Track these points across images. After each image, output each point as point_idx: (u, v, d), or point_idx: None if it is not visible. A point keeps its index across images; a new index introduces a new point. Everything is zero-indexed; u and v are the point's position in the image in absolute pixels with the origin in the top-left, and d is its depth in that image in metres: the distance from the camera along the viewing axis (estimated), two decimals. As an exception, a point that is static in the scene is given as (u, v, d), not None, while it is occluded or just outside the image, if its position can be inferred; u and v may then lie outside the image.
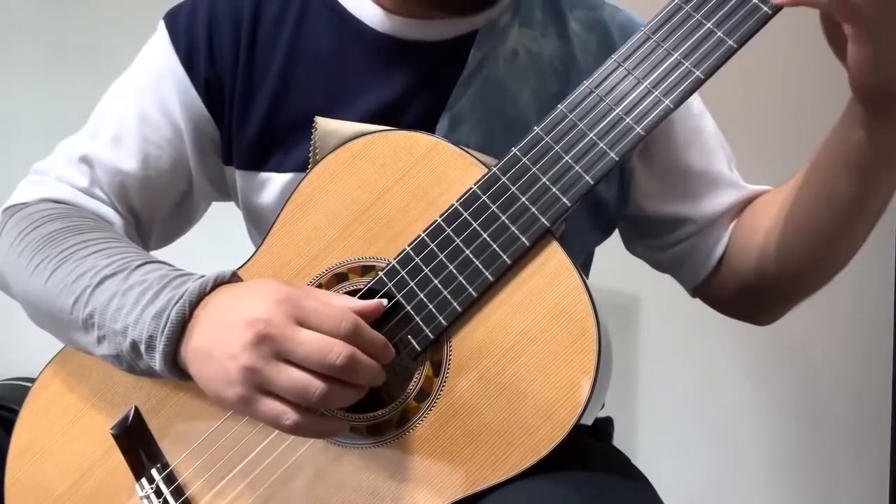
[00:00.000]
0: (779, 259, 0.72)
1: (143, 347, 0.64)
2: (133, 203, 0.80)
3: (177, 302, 0.63)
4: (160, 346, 0.63)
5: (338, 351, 0.58)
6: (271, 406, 0.59)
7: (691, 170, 0.79)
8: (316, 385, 0.57)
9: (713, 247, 0.79)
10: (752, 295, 0.78)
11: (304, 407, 0.59)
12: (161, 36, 0.79)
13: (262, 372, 0.58)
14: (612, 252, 0.88)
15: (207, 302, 0.63)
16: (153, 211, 0.81)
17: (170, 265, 0.70)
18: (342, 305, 0.61)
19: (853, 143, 0.63)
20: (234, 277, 0.66)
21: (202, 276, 0.65)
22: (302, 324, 0.59)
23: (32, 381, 0.78)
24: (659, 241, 0.82)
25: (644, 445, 1.51)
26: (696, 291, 0.83)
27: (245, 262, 0.72)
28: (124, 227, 0.78)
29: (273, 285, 0.61)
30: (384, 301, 0.64)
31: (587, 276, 0.86)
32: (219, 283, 0.65)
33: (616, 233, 0.87)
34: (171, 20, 0.79)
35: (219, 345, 0.60)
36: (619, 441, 0.84)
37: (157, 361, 0.63)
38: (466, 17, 0.75)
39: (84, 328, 0.68)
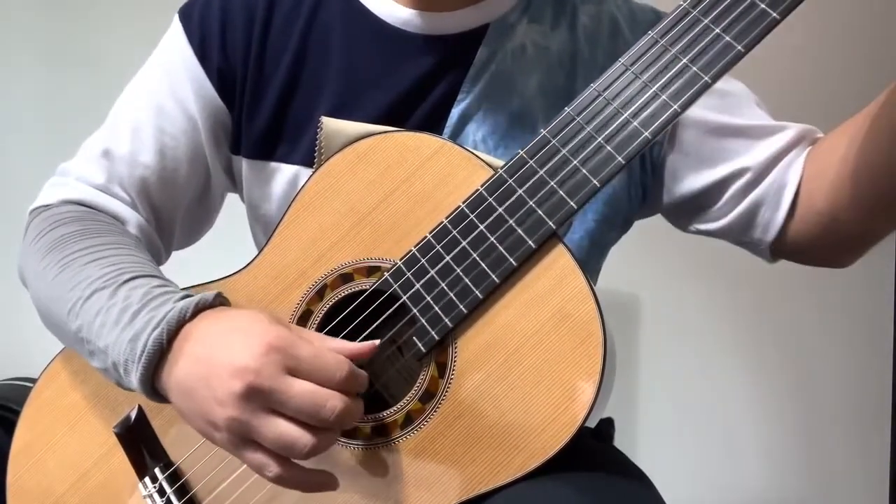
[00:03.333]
0: (864, 188, 0.67)
1: (121, 370, 0.63)
2: (153, 199, 0.80)
3: (154, 328, 0.61)
4: (136, 373, 0.62)
5: (331, 406, 0.56)
6: (256, 456, 0.58)
7: (729, 127, 0.75)
8: (305, 440, 0.56)
9: (779, 193, 0.74)
10: (836, 234, 0.72)
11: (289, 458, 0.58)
12: (175, 28, 0.80)
13: (249, 424, 0.56)
14: (612, 252, 0.88)
15: (190, 331, 0.61)
16: (174, 206, 0.82)
17: (160, 278, 0.68)
18: (337, 349, 0.60)
19: None
20: (217, 300, 0.64)
21: (185, 297, 0.64)
22: (293, 373, 0.57)
23: (33, 381, 0.78)
24: (714, 208, 0.77)
25: (644, 445, 1.51)
26: (773, 248, 0.77)
27: (249, 262, 0.72)
28: (142, 228, 0.79)
29: (264, 326, 0.58)
30: (377, 342, 0.63)
31: (598, 276, 0.87)
32: (200, 308, 0.62)
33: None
34: (185, 13, 0.80)
35: (205, 385, 0.58)
36: (619, 441, 0.84)
37: (134, 386, 0.63)
38: (476, 9, 0.76)
39: (76, 339, 0.68)
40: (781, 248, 0.77)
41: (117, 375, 0.64)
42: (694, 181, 0.77)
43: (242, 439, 0.58)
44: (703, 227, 0.80)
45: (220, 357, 0.58)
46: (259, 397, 0.56)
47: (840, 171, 0.69)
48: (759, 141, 0.75)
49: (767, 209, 0.75)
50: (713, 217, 0.78)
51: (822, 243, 0.74)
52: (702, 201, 0.78)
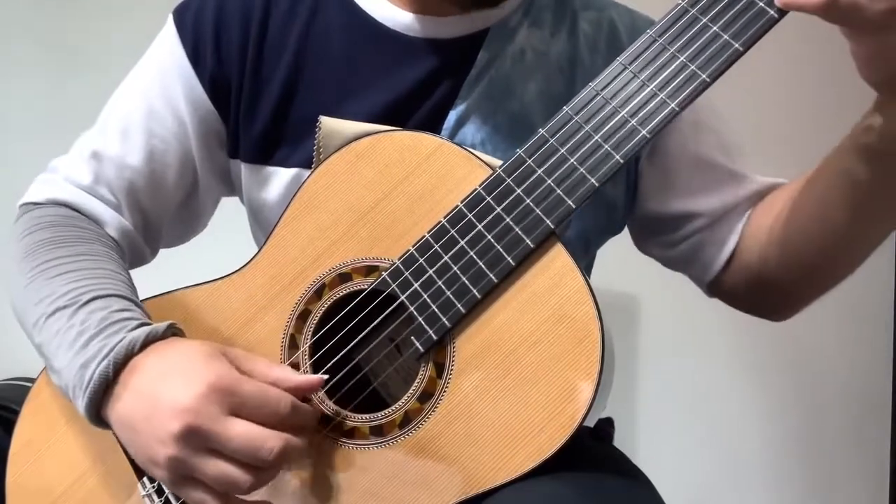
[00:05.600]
0: (791, 253, 0.72)
1: (70, 394, 0.64)
2: (141, 201, 0.80)
3: (103, 358, 0.61)
4: (81, 401, 0.62)
5: (270, 446, 0.57)
6: (197, 494, 0.59)
7: (699, 164, 0.79)
8: (244, 480, 0.57)
9: (723, 241, 0.78)
10: (765, 291, 0.77)
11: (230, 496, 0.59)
12: (168, 30, 0.80)
13: (188, 463, 0.57)
14: (612, 252, 0.88)
15: (136, 365, 0.61)
16: (161, 209, 0.81)
17: (123, 298, 0.68)
18: (282, 380, 0.61)
19: (873, 130, 0.63)
20: (169, 331, 0.64)
21: (139, 326, 0.64)
22: (236, 412, 0.58)
23: (32, 380, 0.78)
24: (669, 237, 0.81)
25: (644, 445, 1.51)
26: (710, 289, 0.82)
27: (248, 262, 0.72)
28: (123, 231, 0.78)
29: (207, 365, 0.59)
30: (325, 376, 0.64)
31: (589, 276, 0.86)
32: (150, 340, 0.63)
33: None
34: (180, 14, 0.79)
35: (146, 423, 0.59)
36: (619, 441, 0.84)
37: (80, 413, 0.63)
38: (477, 14, 0.75)
39: (40, 353, 0.68)
40: (716, 291, 0.82)
41: (71, 397, 0.65)
42: (662, 205, 0.80)
43: (183, 477, 0.59)
44: (655, 251, 0.85)
45: (163, 395, 0.58)
46: (197, 438, 0.57)
47: (771, 231, 0.74)
48: (727, 186, 0.78)
49: (710, 252, 0.79)
50: (666, 244, 0.82)
51: (749, 296, 0.79)
52: (662, 227, 0.82)
